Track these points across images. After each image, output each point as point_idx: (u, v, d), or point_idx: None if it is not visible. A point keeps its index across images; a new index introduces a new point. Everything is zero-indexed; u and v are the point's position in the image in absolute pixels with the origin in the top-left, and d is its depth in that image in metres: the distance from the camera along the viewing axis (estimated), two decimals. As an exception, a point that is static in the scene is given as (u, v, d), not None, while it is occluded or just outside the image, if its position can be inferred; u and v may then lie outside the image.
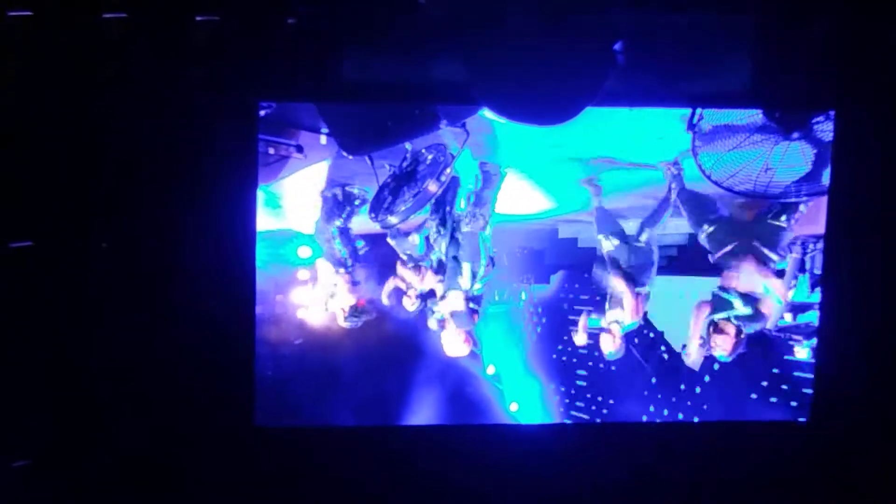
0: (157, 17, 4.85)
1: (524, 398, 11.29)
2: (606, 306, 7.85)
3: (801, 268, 7.76)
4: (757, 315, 6.83)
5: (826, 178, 5.75)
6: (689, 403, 10.06)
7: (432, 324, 8.26)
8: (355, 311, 8.90)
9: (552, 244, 10.33)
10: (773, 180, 6.10)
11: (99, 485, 5.20)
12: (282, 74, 5.06)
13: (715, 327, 6.92)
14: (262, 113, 5.76)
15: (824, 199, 5.55)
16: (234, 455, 5.37)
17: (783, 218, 6.76)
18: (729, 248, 6.95)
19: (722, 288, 6.99)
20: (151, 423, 5.22)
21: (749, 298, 6.83)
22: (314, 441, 5.68)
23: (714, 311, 6.95)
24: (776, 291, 6.83)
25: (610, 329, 7.81)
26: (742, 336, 6.85)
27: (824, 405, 5.49)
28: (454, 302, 7.92)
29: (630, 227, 7.99)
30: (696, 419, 9.86)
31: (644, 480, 5.63)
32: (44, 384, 5.08)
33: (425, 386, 10.23)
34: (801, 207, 6.70)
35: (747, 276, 6.86)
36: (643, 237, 7.72)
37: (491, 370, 11.22)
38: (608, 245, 7.88)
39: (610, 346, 7.84)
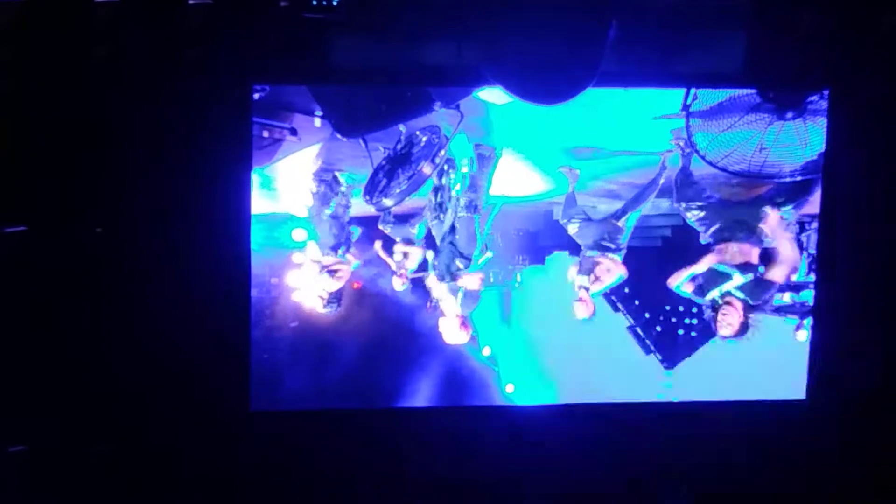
0: (149, 1, 4.83)
1: (520, 379, 11.29)
2: (575, 273, 7.96)
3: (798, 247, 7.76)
4: (760, 282, 6.81)
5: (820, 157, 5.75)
6: (685, 383, 10.08)
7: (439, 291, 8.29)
8: (333, 297, 8.89)
9: (547, 226, 10.32)
10: (768, 160, 6.10)
11: (94, 470, 5.21)
12: (275, 57, 5.05)
13: (720, 303, 6.90)
14: (256, 96, 5.74)
15: (818, 178, 5.56)
16: (230, 439, 5.38)
17: (788, 207, 6.73)
18: (719, 224, 6.94)
19: (719, 264, 6.99)
20: (146, 408, 5.22)
21: (747, 267, 6.80)
22: (310, 424, 5.70)
23: (710, 286, 6.96)
24: (781, 256, 6.81)
25: (580, 296, 7.92)
26: (750, 313, 6.83)
27: (820, 383, 5.51)
28: (471, 281, 7.96)
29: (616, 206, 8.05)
30: (693, 399, 9.87)
31: (642, 460, 5.66)
32: (38, 369, 5.07)
33: (421, 368, 10.22)
34: (810, 199, 6.68)
35: (737, 254, 6.87)
36: (622, 221, 7.77)
37: (486, 352, 11.22)
38: (572, 227, 8.00)
39: (583, 311, 7.96)
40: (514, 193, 9.02)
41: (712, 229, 6.97)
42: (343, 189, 8.38)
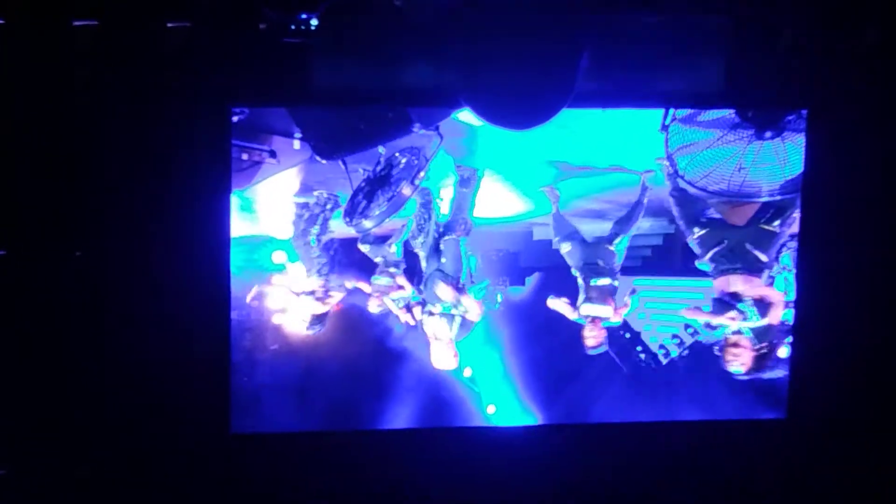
0: (128, 24, 4.82)
1: (501, 400, 11.28)
2: (579, 302, 7.91)
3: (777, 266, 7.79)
4: (767, 327, 6.78)
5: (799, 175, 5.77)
6: (665, 403, 10.09)
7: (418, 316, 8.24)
8: (317, 319, 8.88)
9: (527, 246, 10.34)
10: (747, 180, 6.13)
11: (74, 495, 5.17)
12: (254, 79, 5.04)
13: (727, 342, 6.81)
14: (235, 118, 5.74)
15: (797, 197, 5.59)
16: (210, 463, 5.35)
17: (776, 223, 6.72)
18: (718, 248, 6.90)
19: (729, 294, 6.89)
20: (126, 432, 5.19)
21: (763, 305, 6.75)
22: (291, 447, 5.66)
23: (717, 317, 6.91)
24: (774, 299, 6.80)
25: (594, 325, 7.88)
26: (758, 351, 6.76)
27: (800, 401, 5.52)
28: (472, 309, 7.90)
29: (606, 227, 8.05)
30: (673, 419, 9.88)
31: (622, 481, 5.65)
32: (17, 393, 5.04)
33: (402, 390, 10.21)
34: (795, 213, 6.67)
35: (740, 286, 6.83)
36: (615, 243, 7.78)
37: (468, 373, 11.21)
38: (565, 247, 8.00)
39: (594, 341, 7.91)
40: (495, 214, 9.03)
41: (711, 252, 6.92)
42: (329, 206, 8.38)
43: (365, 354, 10.12)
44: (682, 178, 6.29)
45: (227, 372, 5.33)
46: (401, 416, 10.11)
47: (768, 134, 5.81)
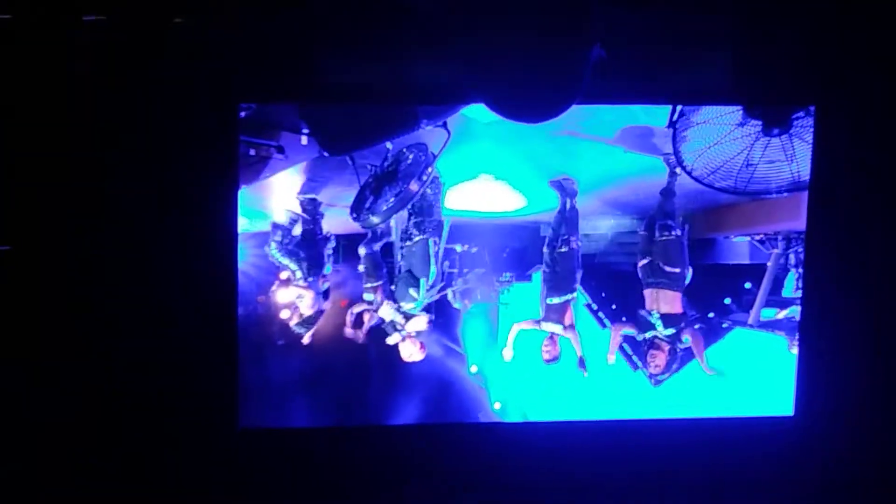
0: (136, 20, 4.83)
1: (508, 397, 11.28)
2: (539, 318, 8.06)
3: (785, 263, 7.83)
4: (678, 335, 7.11)
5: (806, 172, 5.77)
6: (672, 400, 10.09)
7: (394, 338, 8.41)
8: (305, 321, 8.92)
9: (534, 242, 10.33)
10: (754, 176, 6.12)
11: (80, 489, 5.18)
12: (262, 75, 5.05)
13: (650, 345, 7.17)
14: (243, 114, 5.74)
15: (805, 195, 5.58)
16: (218, 458, 5.36)
17: (665, 234, 6.95)
18: (644, 261, 7.18)
19: (645, 309, 7.24)
20: (134, 427, 5.20)
21: (670, 319, 7.06)
22: (300, 442, 5.67)
23: (639, 331, 7.24)
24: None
25: (551, 338, 8.04)
26: (676, 353, 7.10)
27: (808, 399, 5.51)
28: (419, 324, 8.03)
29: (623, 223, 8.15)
30: (680, 416, 9.88)
31: (628, 477, 5.65)
32: (23, 388, 5.05)
33: (409, 385, 10.21)
34: (671, 221, 6.93)
35: (654, 302, 7.14)
36: (564, 248, 7.87)
37: (474, 370, 11.20)
38: (546, 250, 8.11)
39: (550, 355, 8.07)
40: (502, 209, 9.03)
41: (641, 262, 7.22)
42: (307, 209, 8.43)
43: (372, 350, 10.13)
44: (690, 174, 6.29)
45: (235, 367, 5.34)
46: (408, 412, 10.11)
47: (776, 131, 5.80)
